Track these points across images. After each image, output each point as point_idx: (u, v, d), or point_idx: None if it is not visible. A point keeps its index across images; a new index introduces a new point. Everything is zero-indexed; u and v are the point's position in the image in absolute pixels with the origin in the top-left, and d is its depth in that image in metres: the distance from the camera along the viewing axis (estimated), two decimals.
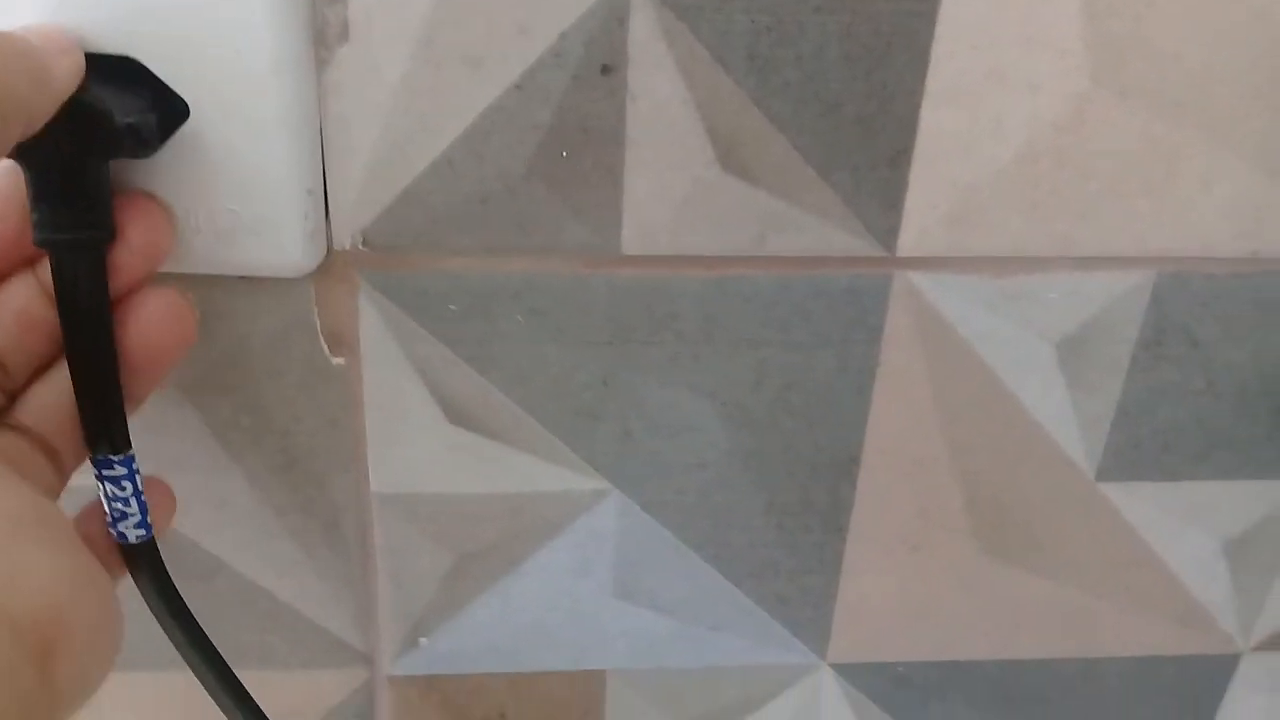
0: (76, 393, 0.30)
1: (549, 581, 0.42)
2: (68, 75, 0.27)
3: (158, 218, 0.31)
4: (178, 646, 0.35)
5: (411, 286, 0.36)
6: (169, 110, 0.30)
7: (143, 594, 0.33)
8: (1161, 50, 0.33)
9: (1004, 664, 0.46)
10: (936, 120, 0.34)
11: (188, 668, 0.35)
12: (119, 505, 0.31)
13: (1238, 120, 0.35)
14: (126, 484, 0.31)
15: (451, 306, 0.36)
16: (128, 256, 0.30)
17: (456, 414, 0.38)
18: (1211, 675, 0.47)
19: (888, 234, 0.35)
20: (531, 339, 0.37)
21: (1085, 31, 0.33)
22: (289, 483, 0.39)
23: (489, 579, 0.42)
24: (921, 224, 0.35)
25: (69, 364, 0.30)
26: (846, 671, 0.45)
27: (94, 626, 0.27)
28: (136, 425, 0.36)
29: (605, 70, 0.32)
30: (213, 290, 0.35)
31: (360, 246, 0.34)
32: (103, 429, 0.31)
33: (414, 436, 0.38)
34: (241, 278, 0.34)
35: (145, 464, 0.32)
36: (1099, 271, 0.37)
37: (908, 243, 0.36)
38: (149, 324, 0.31)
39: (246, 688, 0.36)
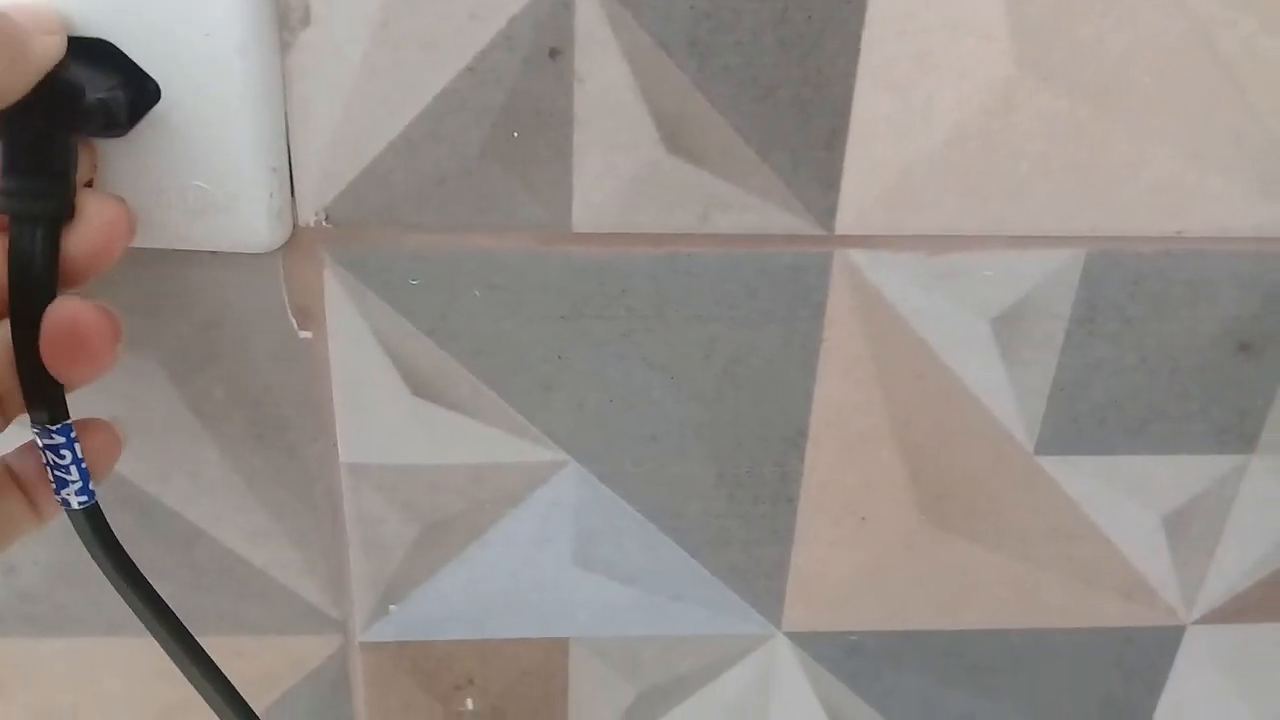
0: (17, 360, 0.31)
1: (512, 551, 0.43)
2: (44, 54, 0.29)
3: (118, 209, 0.32)
4: (130, 606, 0.35)
5: (374, 262, 0.37)
6: (141, 91, 0.31)
7: (93, 557, 0.34)
8: (1083, 37, 0.34)
9: (954, 634, 0.47)
10: (869, 104, 0.35)
11: (134, 633, 0.36)
12: (59, 473, 0.32)
13: (1160, 105, 0.36)
14: (65, 452, 0.32)
15: (413, 281, 0.37)
16: (85, 236, 0.31)
17: (419, 386, 0.39)
18: (1157, 647, 0.49)
19: (826, 213, 0.37)
20: (489, 313, 0.38)
21: (1008, 18, 0.34)
22: (261, 453, 0.40)
23: (455, 548, 0.43)
24: (859, 204, 0.37)
25: (12, 330, 0.31)
26: (801, 640, 0.47)
27: None
28: (115, 397, 0.38)
29: (553, 54, 0.33)
30: (185, 266, 0.36)
31: (324, 223, 0.36)
32: (41, 399, 0.31)
33: (379, 408, 0.40)
34: (213, 254, 0.35)
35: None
36: (1031, 250, 0.38)
37: (846, 222, 0.37)
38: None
39: (208, 652, 0.37)
